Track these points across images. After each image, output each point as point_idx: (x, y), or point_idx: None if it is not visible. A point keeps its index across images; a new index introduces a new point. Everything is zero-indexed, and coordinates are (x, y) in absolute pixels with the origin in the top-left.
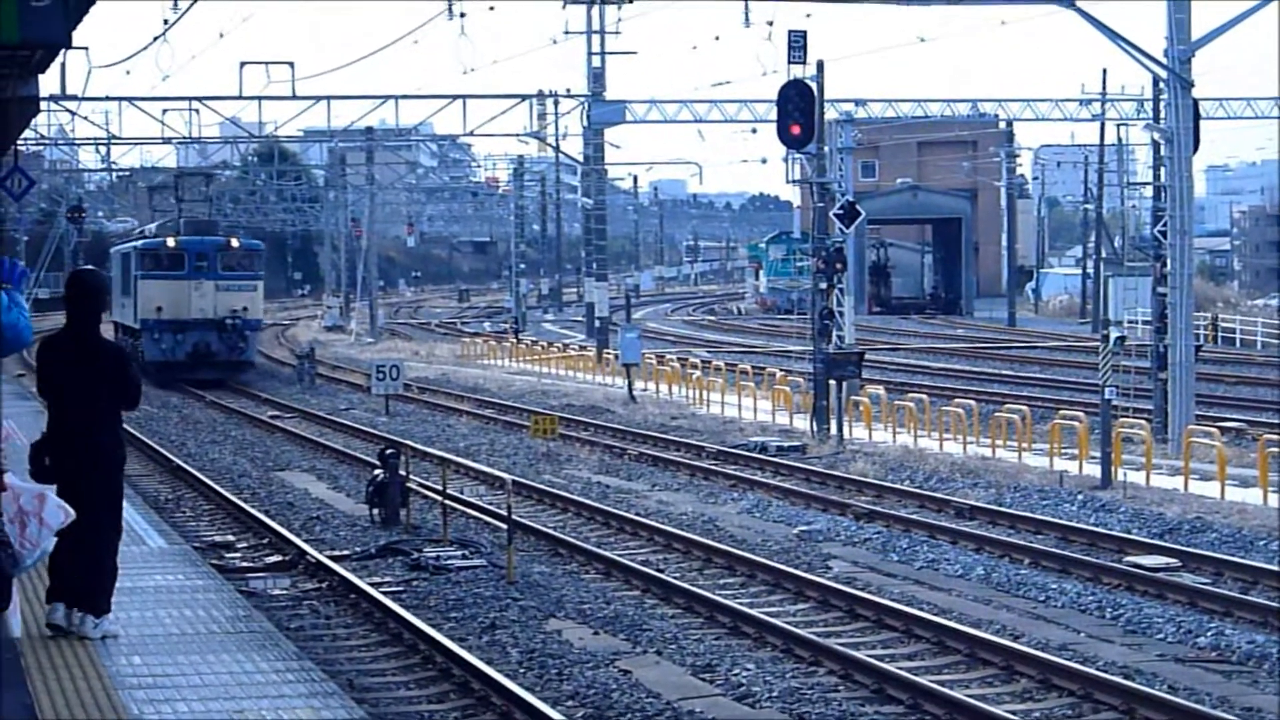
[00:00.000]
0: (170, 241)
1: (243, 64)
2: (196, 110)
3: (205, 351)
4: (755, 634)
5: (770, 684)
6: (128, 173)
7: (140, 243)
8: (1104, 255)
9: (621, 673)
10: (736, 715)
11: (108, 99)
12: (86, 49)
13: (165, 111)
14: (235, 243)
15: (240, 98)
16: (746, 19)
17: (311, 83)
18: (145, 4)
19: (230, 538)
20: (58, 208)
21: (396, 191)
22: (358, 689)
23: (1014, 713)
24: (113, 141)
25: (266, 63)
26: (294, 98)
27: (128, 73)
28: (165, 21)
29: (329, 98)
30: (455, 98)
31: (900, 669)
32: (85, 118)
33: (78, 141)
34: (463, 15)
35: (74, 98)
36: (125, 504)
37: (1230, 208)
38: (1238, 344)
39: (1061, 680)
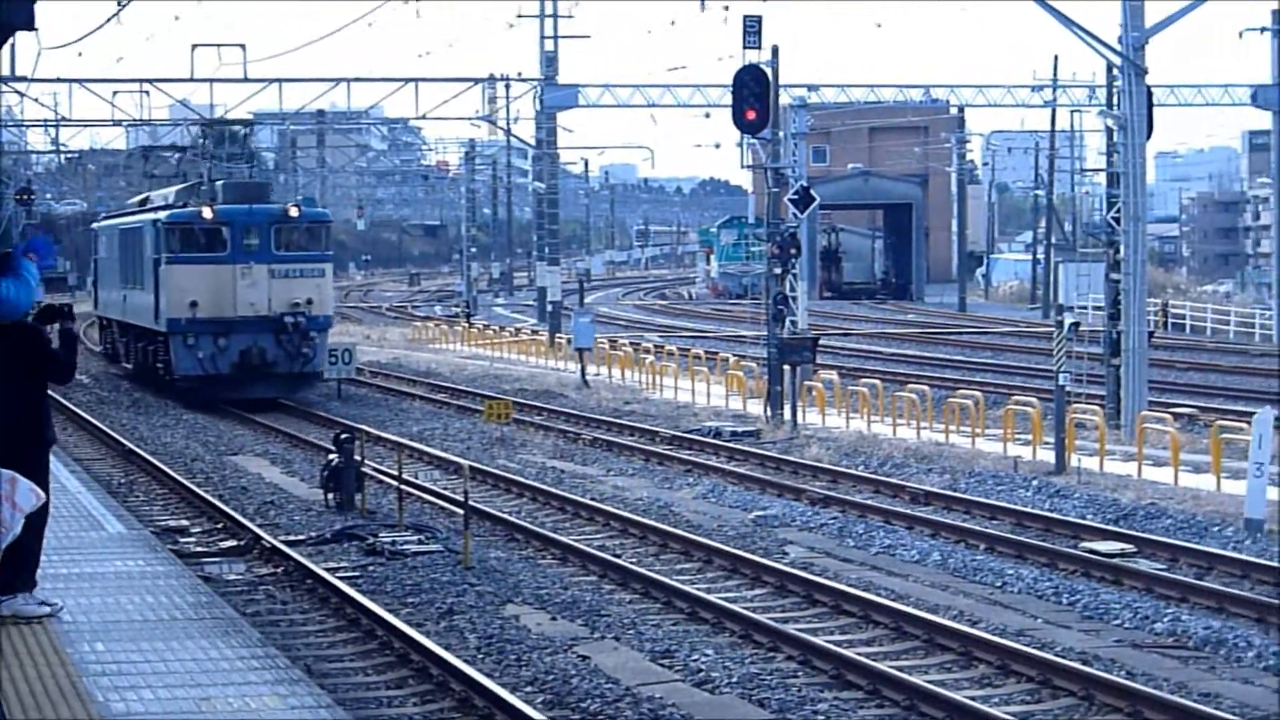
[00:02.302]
0: (207, 212)
1: (194, 46)
2: (147, 92)
3: (258, 361)
4: (713, 619)
5: (729, 669)
6: (77, 155)
7: (165, 214)
8: (1054, 241)
9: (580, 658)
10: (696, 700)
11: (58, 80)
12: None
13: (115, 93)
14: (295, 211)
15: (192, 80)
16: (702, 3)
17: (263, 65)
18: None
19: (184, 522)
20: (5, 189)
21: (347, 175)
22: (316, 675)
23: (973, 698)
24: (62, 123)
25: (218, 45)
26: (245, 80)
27: (80, 54)
28: (119, 3)
29: (280, 80)
30: (407, 81)
31: (859, 654)
32: (35, 99)
33: (26, 123)
34: None
35: (23, 79)
36: (83, 489)
37: (1179, 194)
38: (1188, 330)
39: (1020, 665)
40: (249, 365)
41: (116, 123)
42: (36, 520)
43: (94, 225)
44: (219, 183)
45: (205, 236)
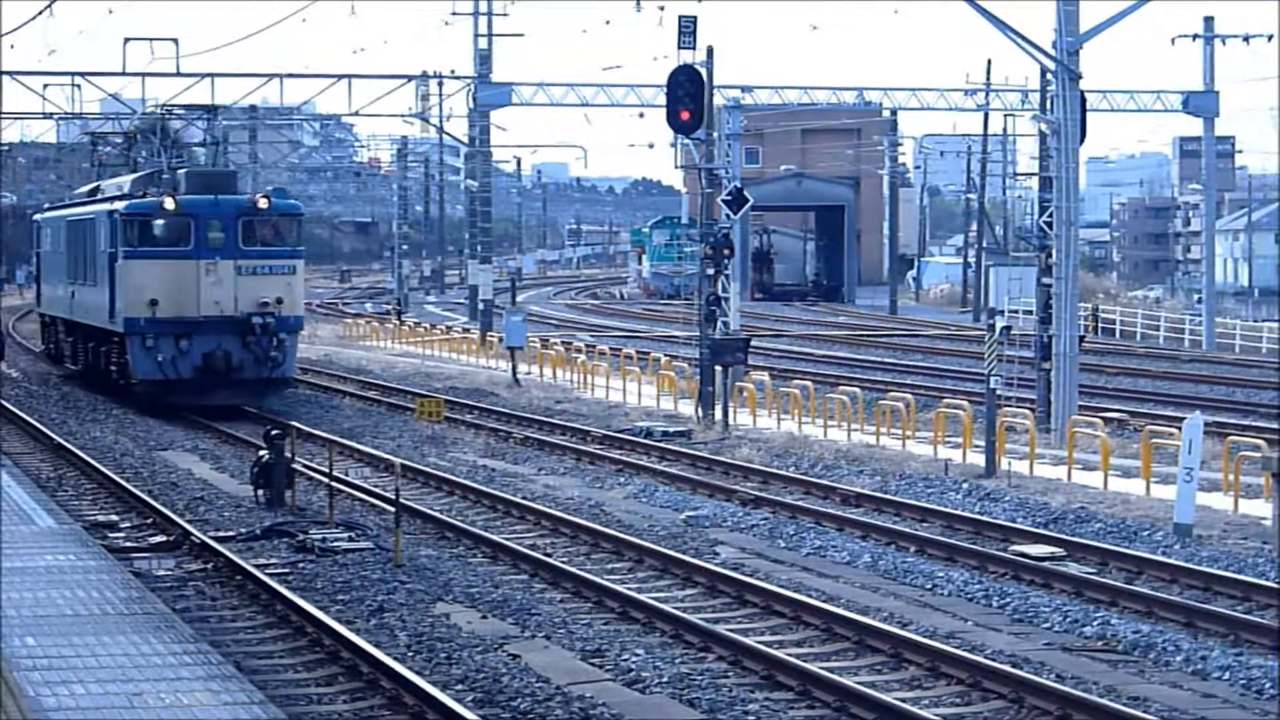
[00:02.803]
0: (169, 202)
1: (126, 40)
2: (79, 85)
3: (223, 365)
4: (644, 619)
5: (660, 669)
6: (7, 148)
7: (122, 205)
8: (985, 245)
9: (511, 657)
10: (626, 700)
11: None
12: None
13: (46, 86)
14: (264, 202)
15: (124, 74)
16: (638, 4)
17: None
18: None
19: (114, 517)
20: None
21: (279, 170)
22: (246, 671)
23: (902, 699)
24: None
25: (151, 39)
26: (178, 74)
27: (11, 46)
28: None
29: (213, 75)
30: (340, 77)
31: (789, 655)
32: None
33: None
34: None
35: None
36: (13, 483)
37: (1110, 199)
38: (1118, 335)
39: (950, 668)
40: (213, 369)
41: (47, 115)
42: None
43: (36, 216)
44: (181, 171)
45: (166, 229)
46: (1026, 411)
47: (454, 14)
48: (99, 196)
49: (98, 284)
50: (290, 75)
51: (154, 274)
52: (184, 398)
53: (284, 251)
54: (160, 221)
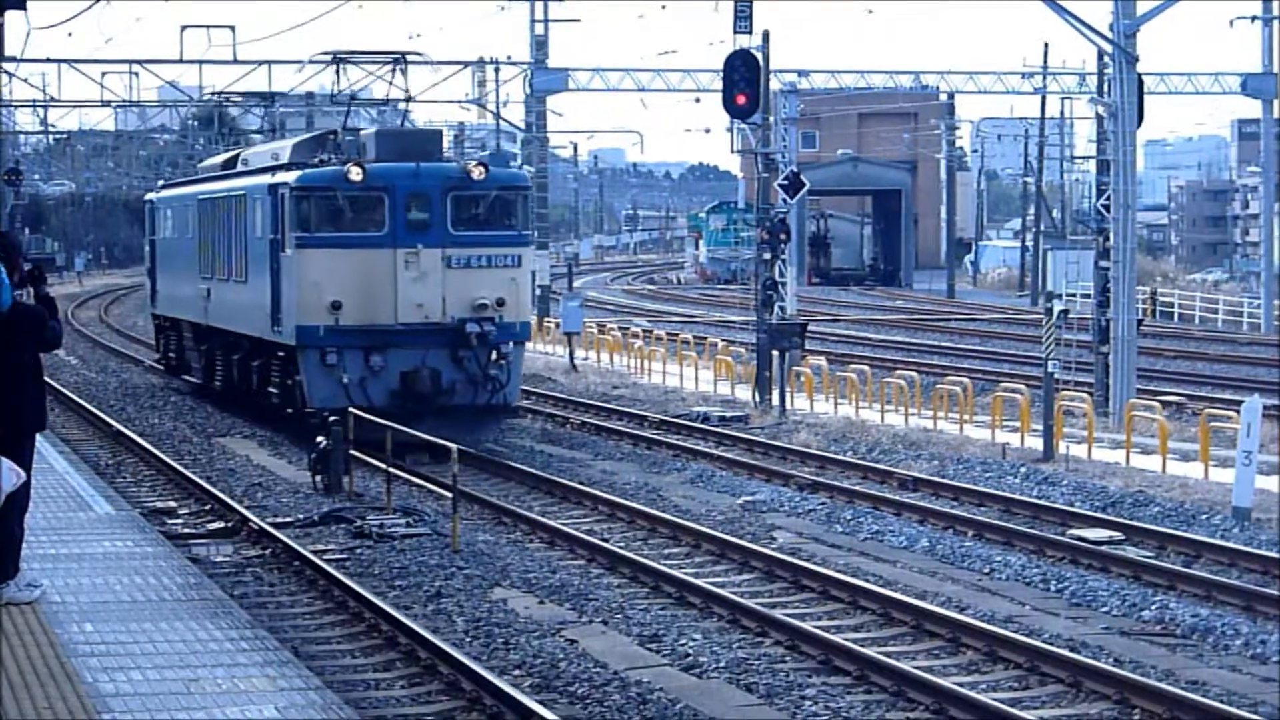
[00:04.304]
0: (356, 172)
1: (183, 28)
2: (136, 73)
3: (427, 388)
4: (701, 604)
5: (717, 654)
6: (65, 136)
7: (293, 176)
8: (1043, 228)
9: (568, 642)
10: (683, 685)
11: (47, 61)
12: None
13: (104, 74)
14: (480, 171)
15: (181, 61)
16: None
17: (253, 47)
18: None
19: (172, 504)
20: None
21: None
22: (304, 657)
23: (960, 684)
24: (50, 104)
25: (208, 26)
26: (235, 61)
27: (69, 35)
28: None
29: (269, 62)
30: (396, 63)
31: (847, 640)
32: (24, 79)
33: (14, 104)
34: None
35: (12, 59)
36: (71, 469)
37: (1168, 182)
38: (1176, 318)
39: (1008, 652)
40: (414, 394)
41: (105, 103)
42: (18, 502)
43: (151, 196)
44: (368, 131)
45: (354, 208)
46: (1084, 395)
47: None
48: (244, 168)
49: (250, 280)
50: (345, 60)
51: (337, 268)
52: (375, 431)
53: (506, 237)
54: (345, 197)
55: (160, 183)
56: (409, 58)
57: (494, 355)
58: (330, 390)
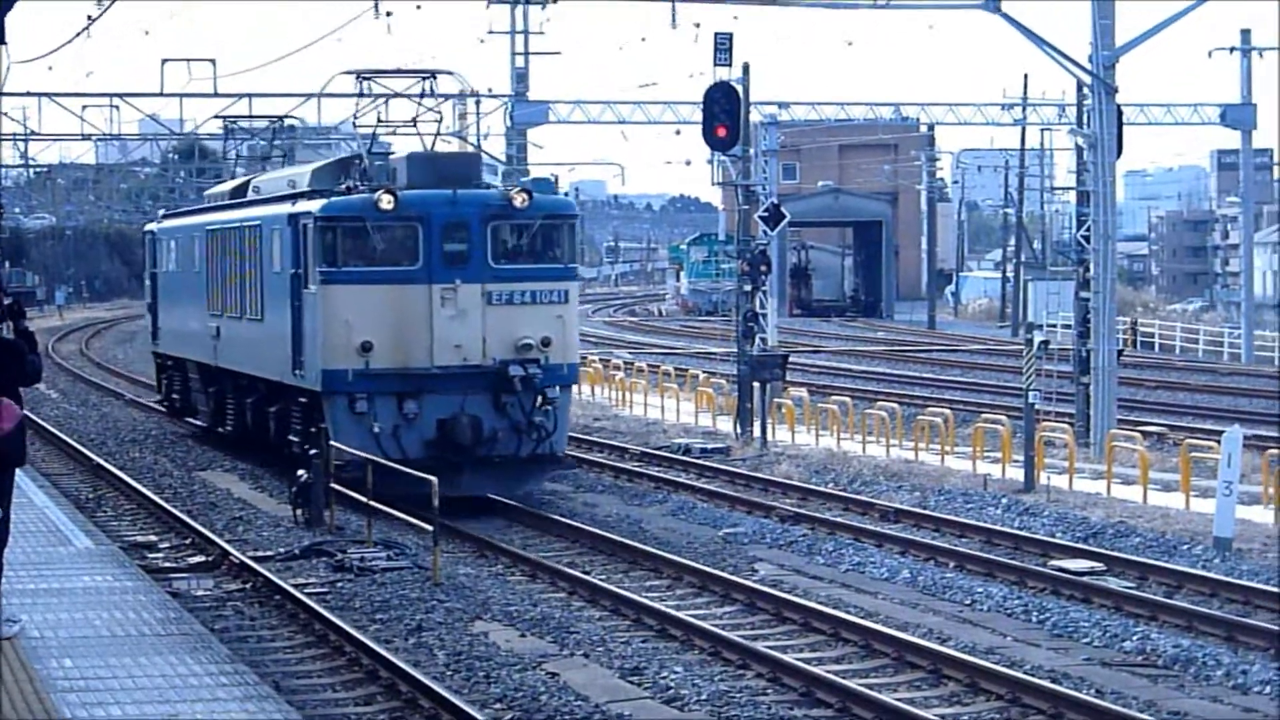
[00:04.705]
0: (387, 200)
1: (164, 61)
2: (117, 107)
3: (467, 438)
4: (683, 636)
5: (699, 686)
6: (46, 169)
7: (317, 205)
8: (1023, 259)
9: (549, 675)
10: (665, 718)
11: (27, 94)
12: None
13: (85, 108)
14: (523, 198)
15: (161, 94)
16: (673, 20)
17: (233, 80)
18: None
19: (153, 538)
20: None
21: None
22: (284, 691)
23: (942, 715)
24: (31, 137)
25: (188, 60)
26: (215, 95)
27: (50, 68)
28: (89, 17)
29: (250, 95)
30: (378, 96)
31: (828, 672)
32: (4, 113)
33: None
34: (389, 14)
35: None
36: (50, 504)
37: (1148, 212)
38: (1157, 348)
39: (989, 684)
40: (453, 444)
41: (86, 137)
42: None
43: (151, 227)
44: (400, 156)
45: (384, 240)
46: (1065, 426)
47: (490, 32)
48: (256, 196)
49: (266, 318)
50: (327, 94)
51: (366, 305)
52: (410, 485)
53: (552, 270)
54: (375, 228)
55: (162, 212)
56: (436, 79)
57: (539, 400)
58: (360, 440)
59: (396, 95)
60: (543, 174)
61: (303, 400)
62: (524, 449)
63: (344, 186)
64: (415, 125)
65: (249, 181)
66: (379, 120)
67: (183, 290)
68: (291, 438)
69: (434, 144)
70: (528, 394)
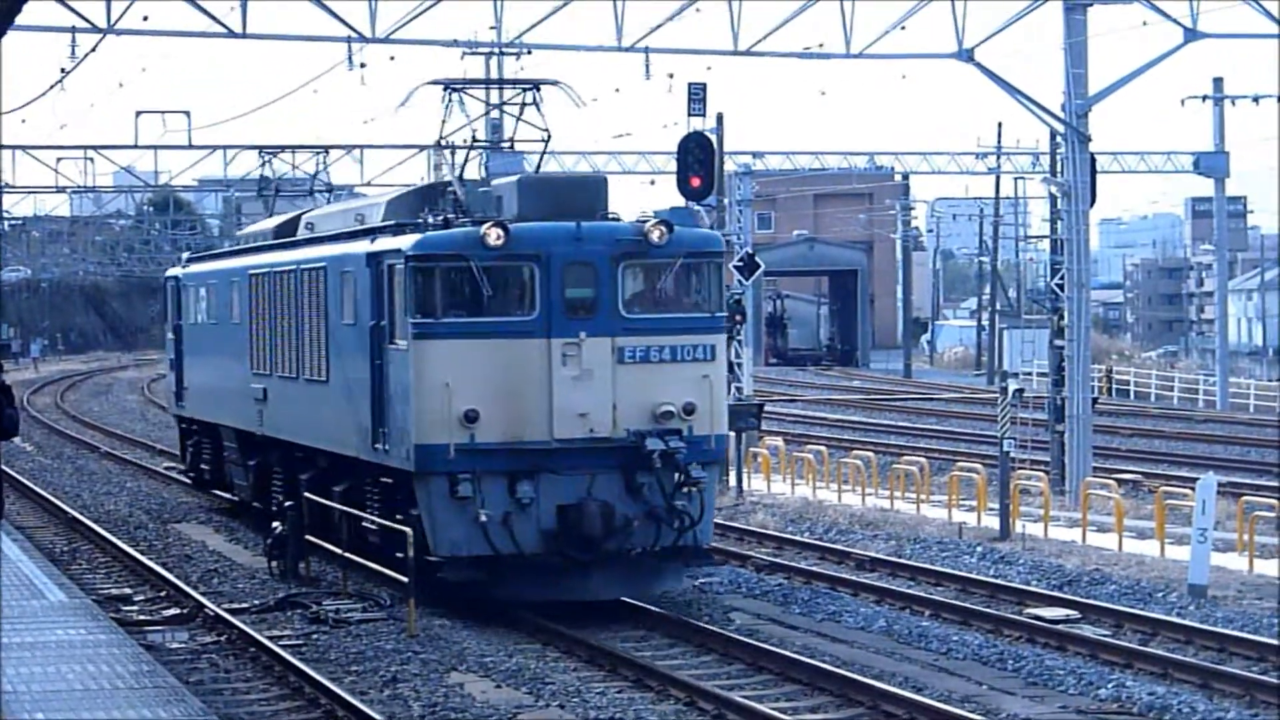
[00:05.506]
0: (494, 234)
1: (139, 113)
2: (91, 159)
3: (596, 528)
4: (658, 686)
5: None
6: (20, 221)
7: (408, 243)
8: (999, 307)
9: None
10: None
11: (1, 147)
12: None
13: (59, 160)
14: (660, 233)
15: (136, 146)
16: (647, 71)
17: (208, 132)
18: (43, 52)
19: (127, 590)
20: None
21: None
22: None
23: None
24: (5, 190)
25: (163, 112)
26: (190, 147)
27: (23, 121)
28: (62, 70)
29: (225, 147)
30: (352, 147)
31: None
32: None
33: None
34: (363, 65)
35: None
36: (24, 556)
37: (1123, 260)
38: (1132, 396)
39: None
40: (577, 535)
41: (60, 189)
42: None
43: (174, 272)
44: (507, 180)
45: (492, 284)
46: (1041, 474)
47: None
48: (310, 234)
49: (332, 380)
50: (301, 146)
51: (471, 365)
52: (526, 587)
53: (697, 321)
54: (483, 269)
55: (185, 255)
56: (540, 90)
57: (681, 481)
58: (464, 531)
59: (500, 105)
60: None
61: (386, 481)
62: (663, 540)
63: (441, 218)
64: (512, 146)
65: (298, 218)
66: (472, 140)
67: (217, 345)
68: (367, 523)
69: (539, 168)
70: (668, 473)
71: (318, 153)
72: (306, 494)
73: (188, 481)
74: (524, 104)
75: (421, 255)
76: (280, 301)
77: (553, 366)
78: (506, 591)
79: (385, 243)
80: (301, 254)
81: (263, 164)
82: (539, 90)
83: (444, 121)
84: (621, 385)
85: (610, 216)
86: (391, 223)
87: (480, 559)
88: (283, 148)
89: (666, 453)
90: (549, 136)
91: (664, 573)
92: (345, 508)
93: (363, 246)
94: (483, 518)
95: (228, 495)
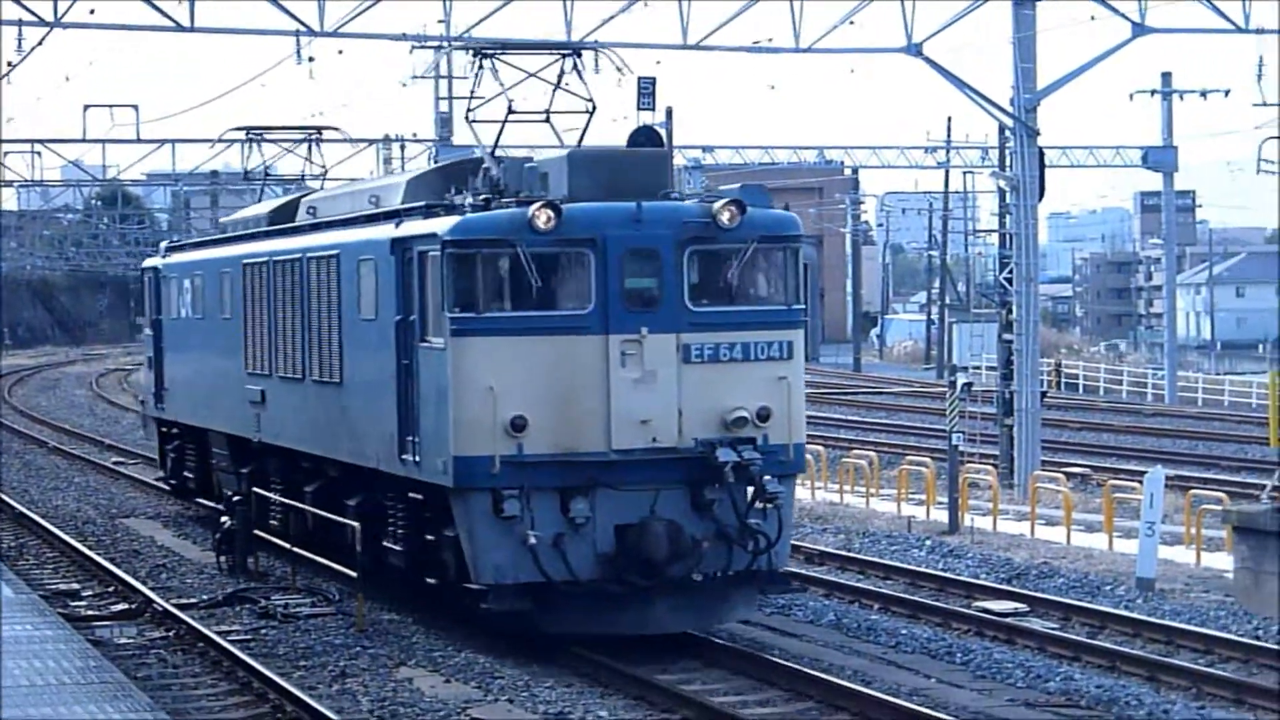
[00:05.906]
0: (544, 216)
1: (86, 107)
2: (39, 153)
3: (661, 551)
4: (608, 681)
5: None
6: None
7: (445, 226)
8: (948, 301)
9: None
10: None
11: None
12: None
13: (6, 154)
14: (731, 214)
15: (84, 140)
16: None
17: (156, 125)
18: None
19: (75, 586)
20: None
21: None
22: None
23: None
24: None
25: (110, 105)
26: (138, 141)
27: None
28: (9, 64)
29: (173, 141)
30: (300, 141)
31: (755, 715)
32: None
33: None
34: (311, 59)
35: None
36: None
37: (1072, 254)
38: (1081, 390)
39: None
40: (639, 559)
41: (7, 184)
42: None
43: (155, 262)
44: (555, 154)
45: (542, 273)
46: (989, 467)
47: (413, 77)
48: (313, 219)
49: (347, 381)
50: (250, 140)
51: (518, 366)
52: (580, 618)
53: (773, 314)
54: (531, 256)
55: (165, 244)
56: (324, 133)
57: (756, 496)
58: (509, 555)
59: (532, 75)
60: None
61: (416, 497)
62: (736, 564)
63: (481, 198)
64: (548, 119)
65: (296, 201)
66: (509, 111)
67: (205, 342)
68: (391, 545)
69: (580, 143)
70: (741, 487)
71: (309, 134)
72: (311, 508)
73: (166, 489)
74: (562, 71)
75: (461, 240)
76: (281, 293)
77: (610, 367)
78: (558, 623)
79: (414, 226)
80: (306, 240)
81: (246, 148)
82: (580, 56)
83: (472, 91)
84: (688, 388)
85: (673, 196)
86: (420, 204)
87: (528, 587)
88: (269, 128)
89: (740, 464)
90: (594, 107)
91: (735, 600)
92: (348, 521)
93: (385, 231)
94: (531, 540)
95: (213, 505)
